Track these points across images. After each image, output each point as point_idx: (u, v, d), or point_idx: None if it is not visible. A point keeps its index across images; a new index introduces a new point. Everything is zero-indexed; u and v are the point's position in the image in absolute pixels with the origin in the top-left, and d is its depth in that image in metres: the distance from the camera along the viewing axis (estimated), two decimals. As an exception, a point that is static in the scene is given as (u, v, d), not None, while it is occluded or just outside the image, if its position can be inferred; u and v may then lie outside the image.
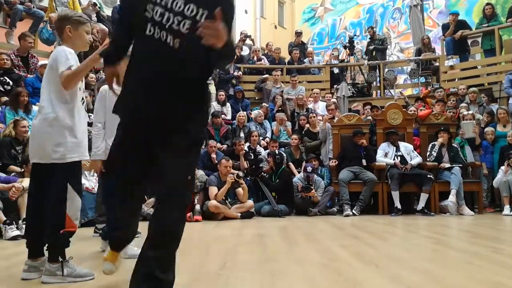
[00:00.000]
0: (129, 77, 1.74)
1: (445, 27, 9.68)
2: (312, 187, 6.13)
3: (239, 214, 5.67)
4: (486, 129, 7.06)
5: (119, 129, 1.81)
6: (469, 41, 9.35)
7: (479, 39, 9.27)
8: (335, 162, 6.69)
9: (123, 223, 1.94)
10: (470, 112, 7.29)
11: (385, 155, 6.54)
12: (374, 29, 11.03)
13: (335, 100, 8.81)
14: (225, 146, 7.26)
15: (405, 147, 6.57)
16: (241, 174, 5.99)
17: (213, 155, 6.50)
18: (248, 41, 11.49)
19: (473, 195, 6.56)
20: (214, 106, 8.30)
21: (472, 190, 6.48)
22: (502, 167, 6.36)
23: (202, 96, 1.77)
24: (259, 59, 10.27)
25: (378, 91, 10.11)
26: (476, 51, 9.56)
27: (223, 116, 8.01)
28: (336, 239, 3.85)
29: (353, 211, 6.06)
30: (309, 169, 6.26)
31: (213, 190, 5.65)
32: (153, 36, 1.65)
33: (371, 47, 10.33)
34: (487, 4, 9.45)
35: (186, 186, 1.70)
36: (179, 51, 1.64)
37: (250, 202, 5.88)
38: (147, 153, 1.72)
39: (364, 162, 6.50)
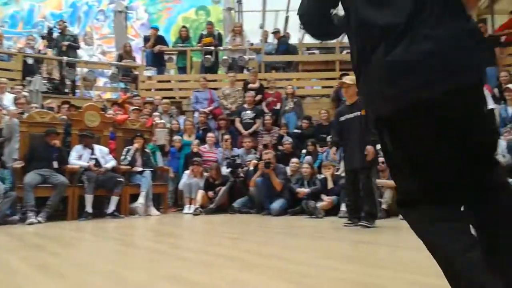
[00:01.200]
0: None
1: (146, 39, 10.31)
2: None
3: None
4: (174, 137, 7.90)
5: None
6: (165, 57, 10.29)
7: (174, 57, 10.36)
8: (21, 163, 5.93)
9: None
10: (162, 121, 8.04)
11: (79, 157, 6.31)
12: (65, 23, 10.39)
13: (26, 93, 7.84)
14: None
15: (100, 150, 6.54)
16: None
17: None
18: None
19: (159, 197, 7.19)
20: None
21: (159, 192, 7.10)
22: (186, 171, 7.27)
23: None
24: None
25: (76, 90, 9.65)
26: (171, 66, 10.61)
27: None
28: (15, 251, 3.41)
29: (38, 218, 5.51)
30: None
31: None
32: None
33: (62, 42, 9.59)
34: (183, 27, 10.77)
35: None
36: None
37: None
38: None
39: (55, 164, 6.05)
